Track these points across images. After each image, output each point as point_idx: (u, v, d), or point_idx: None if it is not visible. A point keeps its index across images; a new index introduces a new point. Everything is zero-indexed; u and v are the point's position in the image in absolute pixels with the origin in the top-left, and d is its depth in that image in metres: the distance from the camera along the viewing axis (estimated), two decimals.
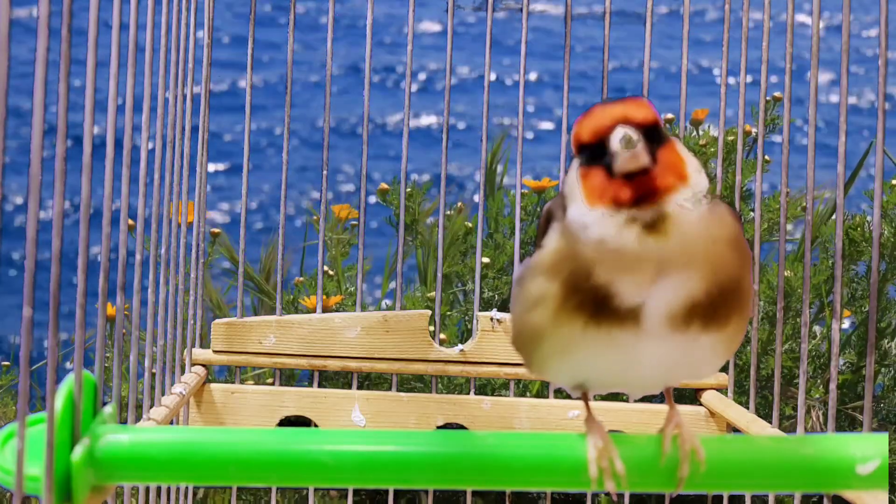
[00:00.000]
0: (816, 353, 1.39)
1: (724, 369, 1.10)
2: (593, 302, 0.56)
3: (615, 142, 0.55)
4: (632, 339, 0.57)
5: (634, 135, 0.55)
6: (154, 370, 0.98)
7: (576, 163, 0.58)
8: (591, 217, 0.56)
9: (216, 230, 1.51)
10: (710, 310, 0.56)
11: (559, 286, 0.57)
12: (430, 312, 1.13)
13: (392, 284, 1.76)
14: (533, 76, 4.86)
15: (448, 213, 1.58)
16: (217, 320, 1.12)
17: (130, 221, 0.86)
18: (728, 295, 0.57)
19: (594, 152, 0.56)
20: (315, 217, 1.55)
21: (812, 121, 0.88)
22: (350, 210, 1.53)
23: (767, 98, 1.50)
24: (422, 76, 4.83)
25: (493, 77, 4.69)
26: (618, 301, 0.56)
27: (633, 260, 0.55)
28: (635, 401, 1.12)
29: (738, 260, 0.57)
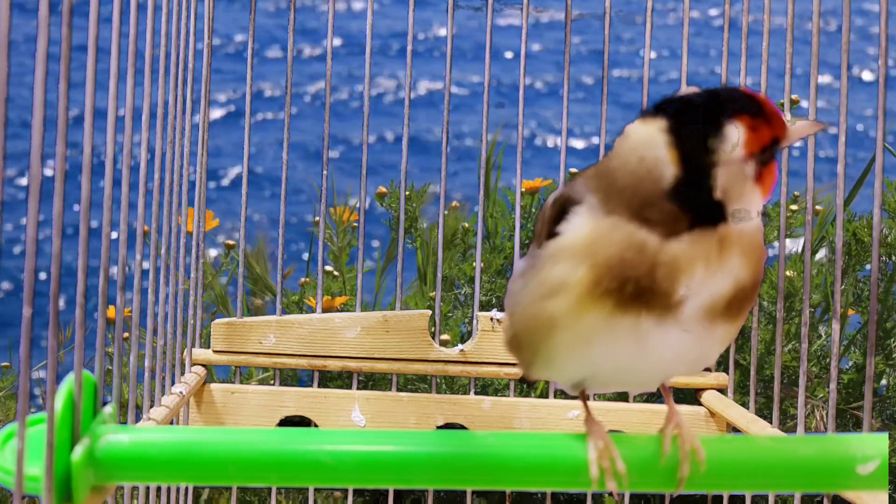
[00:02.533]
0: (822, 353, 1.39)
1: (725, 369, 1.10)
2: (638, 289, 0.56)
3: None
4: (654, 327, 0.56)
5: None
6: (154, 370, 0.98)
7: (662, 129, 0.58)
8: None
9: (231, 242, 1.52)
10: (734, 300, 0.57)
11: (587, 269, 0.56)
12: (430, 312, 1.13)
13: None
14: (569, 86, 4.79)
15: (445, 212, 1.58)
16: (217, 320, 1.12)
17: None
18: (751, 288, 0.58)
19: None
20: (316, 220, 1.55)
21: (812, 119, 0.88)
22: (350, 212, 1.54)
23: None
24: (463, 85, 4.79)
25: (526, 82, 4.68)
26: (673, 289, 0.56)
27: (701, 250, 0.56)
28: (635, 401, 1.12)
29: (762, 257, 0.59)
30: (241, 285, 1.16)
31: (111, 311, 1.27)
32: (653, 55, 1.09)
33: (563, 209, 0.59)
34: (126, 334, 1.28)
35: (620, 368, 0.59)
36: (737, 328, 0.59)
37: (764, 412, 1.32)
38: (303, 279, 1.55)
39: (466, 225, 1.54)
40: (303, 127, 4.25)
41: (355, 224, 1.55)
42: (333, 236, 1.54)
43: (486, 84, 1.12)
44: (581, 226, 0.58)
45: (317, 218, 1.57)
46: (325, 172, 1.13)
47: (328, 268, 1.50)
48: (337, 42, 4.50)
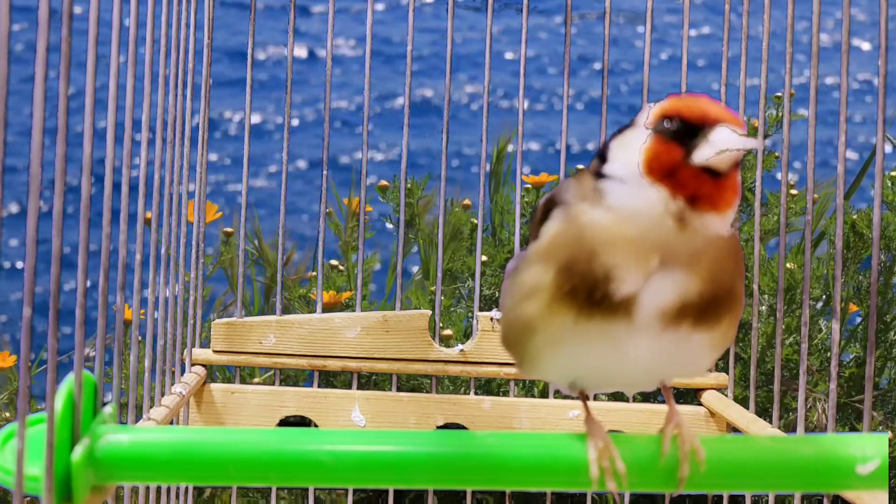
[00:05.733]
0: (823, 347, 1.39)
1: (725, 369, 1.10)
2: (588, 288, 0.56)
3: (724, 133, 0.55)
4: (623, 334, 0.57)
5: (740, 139, 0.55)
6: (154, 370, 0.98)
7: (642, 132, 0.57)
8: (635, 187, 0.56)
9: (229, 230, 1.52)
10: (701, 310, 0.57)
11: (555, 272, 0.57)
12: (430, 313, 1.13)
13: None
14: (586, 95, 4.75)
15: (455, 209, 1.58)
16: (217, 320, 1.12)
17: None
18: (721, 299, 0.57)
19: (681, 132, 0.56)
20: (329, 210, 1.55)
21: (812, 121, 0.88)
22: (360, 202, 1.54)
23: (778, 94, 1.51)
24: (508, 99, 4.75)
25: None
26: (613, 287, 0.56)
27: (645, 244, 0.56)
28: (635, 401, 1.12)
29: (734, 267, 0.58)
30: (241, 285, 1.16)
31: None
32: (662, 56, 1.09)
33: (547, 211, 0.60)
34: (127, 317, 1.28)
35: (602, 371, 0.60)
36: (722, 335, 0.59)
37: (766, 405, 1.32)
38: (309, 273, 1.55)
39: (475, 221, 1.54)
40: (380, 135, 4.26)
41: (366, 217, 1.55)
42: (343, 230, 1.54)
43: (486, 83, 1.12)
44: (551, 228, 0.58)
45: (329, 209, 1.57)
46: (324, 172, 1.13)
47: (334, 262, 1.50)
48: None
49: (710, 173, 0.56)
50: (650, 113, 0.58)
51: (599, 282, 0.56)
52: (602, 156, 0.59)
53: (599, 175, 0.58)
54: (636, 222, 0.56)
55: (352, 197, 1.59)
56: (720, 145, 0.55)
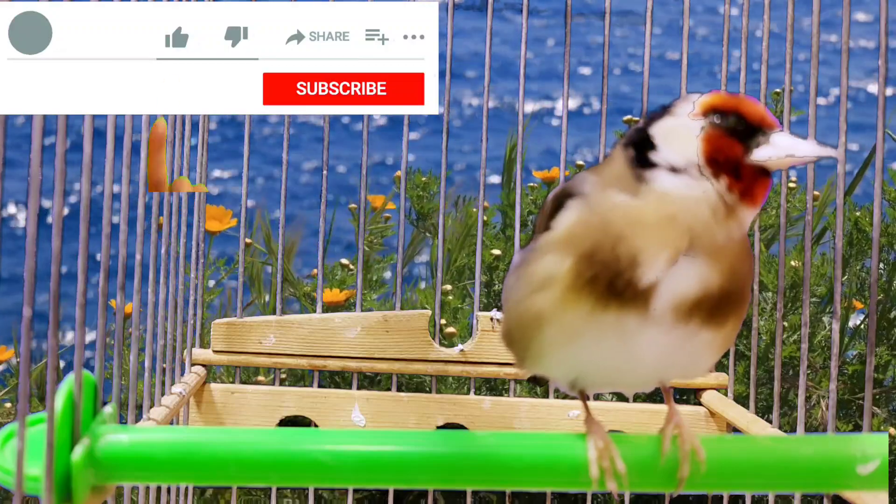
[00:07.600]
0: (826, 345, 1.38)
1: (725, 369, 1.10)
2: (610, 276, 0.56)
3: (783, 137, 0.57)
4: (635, 326, 0.57)
5: (815, 148, 0.57)
6: (154, 370, 0.98)
7: (688, 122, 0.58)
8: (691, 177, 0.57)
9: (249, 241, 1.51)
10: (714, 306, 0.57)
11: (573, 260, 0.57)
12: (430, 312, 1.12)
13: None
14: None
15: (474, 208, 1.58)
16: (217, 320, 1.12)
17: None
18: (734, 296, 0.58)
19: (739, 129, 0.58)
20: (352, 206, 1.55)
21: (812, 120, 0.88)
22: (385, 200, 1.53)
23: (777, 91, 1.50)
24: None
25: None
26: (638, 273, 0.56)
27: (678, 228, 0.56)
28: (635, 401, 1.12)
29: (748, 267, 0.59)
30: (241, 284, 1.16)
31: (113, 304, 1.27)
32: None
33: (559, 203, 0.60)
34: (131, 330, 1.28)
35: (607, 367, 0.60)
36: (726, 336, 0.59)
37: (769, 401, 1.31)
38: (314, 270, 1.54)
39: (486, 218, 1.53)
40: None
41: (388, 214, 1.55)
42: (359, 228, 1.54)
43: (486, 83, 1.12)
44: (569, 217, 0.58)
45: (353, 205, 1.56)
46: (324, 172, 1.13)
47: (344, 261, 1.50)
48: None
49: (762, 172, 0.57)
50: (696, 105, 0.59)
51: (623, 268, 0.56)
52: (638, 144, 0.59)
53: (642, 162, 0.59)
54: (679, 206, 0.57)
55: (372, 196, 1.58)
56: (786, 150, 0.57)
